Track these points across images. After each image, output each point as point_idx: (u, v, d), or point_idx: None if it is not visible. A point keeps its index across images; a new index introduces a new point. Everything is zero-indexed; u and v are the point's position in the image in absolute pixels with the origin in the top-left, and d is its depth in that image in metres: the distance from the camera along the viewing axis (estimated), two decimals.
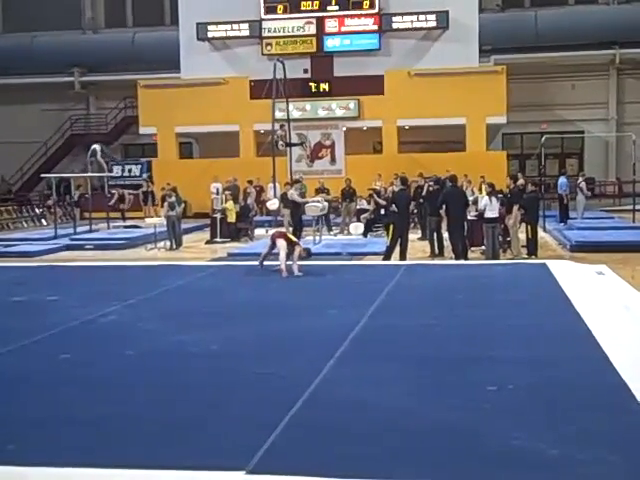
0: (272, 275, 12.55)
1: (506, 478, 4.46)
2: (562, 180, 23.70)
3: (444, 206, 15.55)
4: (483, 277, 12.23)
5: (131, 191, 28.92)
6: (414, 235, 18.26)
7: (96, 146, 26.37)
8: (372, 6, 29.39)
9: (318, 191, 23.86)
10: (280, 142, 22.39)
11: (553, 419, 5.36)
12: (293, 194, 19.56)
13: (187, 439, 5.07)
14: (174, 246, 19.56)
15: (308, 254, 12.74)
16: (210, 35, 30.37)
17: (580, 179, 24.35)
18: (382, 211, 20.20)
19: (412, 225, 18.22)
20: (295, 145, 24.68)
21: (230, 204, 21.32)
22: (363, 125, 29.87)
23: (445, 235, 16.34)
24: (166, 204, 20.13)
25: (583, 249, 16.72)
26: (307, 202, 19.42)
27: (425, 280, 11.89)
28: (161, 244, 19.63)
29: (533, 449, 4.78)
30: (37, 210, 30.10)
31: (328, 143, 30.19)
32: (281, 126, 22.64)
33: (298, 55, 29.49)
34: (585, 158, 34.98)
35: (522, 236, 16.48)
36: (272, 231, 13.35)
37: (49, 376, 6.78)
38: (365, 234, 20.61)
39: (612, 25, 32.50)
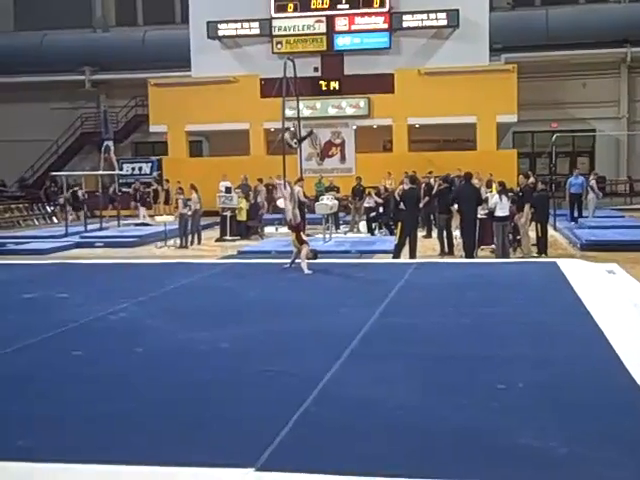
0: (282, 273, 12.57)
1: (515, 477, 4.45)
2: (580, 178, 23.70)
3: (456, 204, 15.56)
4: (493, 276, 12.19)
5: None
6: (419, 233, 18.24)
7: (108, 143, 26.44)
8: (382, 4, 29.40)
9: (328, 189, 23.87)
10: (294, 140, 22.28)
11: (562, 418, 5.34)
12: (300, 192, 19.55)
13: (196, 436, 5.08)
14: (184, 244, 19.63)
15: (314, 255, 12.73)
16: (220, 33, 30.45)
17: (591, 178, 24.29)
18: (381, 209, 20.24)
19: (420, 223, 18.22)
20: (305, 138, 24.35)
21: (243, 202, 21.38)
22: (373, 123, 29.86)
23: (455, 233, 16.33)
24: (180, 201, 20.18)
25: (594, 248, 16.67)
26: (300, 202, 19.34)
27: (435, 278, 11.87)
28: (171, 242, 19.69)
29: (542, 448, 4.76)
30: (48, 208, 30.22)
31: (338, 141, 30.21)
32: (287, 129, 22.54)
33: (308, 53, 29.53)
34: (596, 156, 34.88)
35: (532, 234, 16.44)
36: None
37: (59, 373, 6.80)
38: (370, 232, 20.60)
39: (623, 23, 32.38)
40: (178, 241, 19.71)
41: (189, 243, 19.82)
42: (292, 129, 22.18)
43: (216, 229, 22.45)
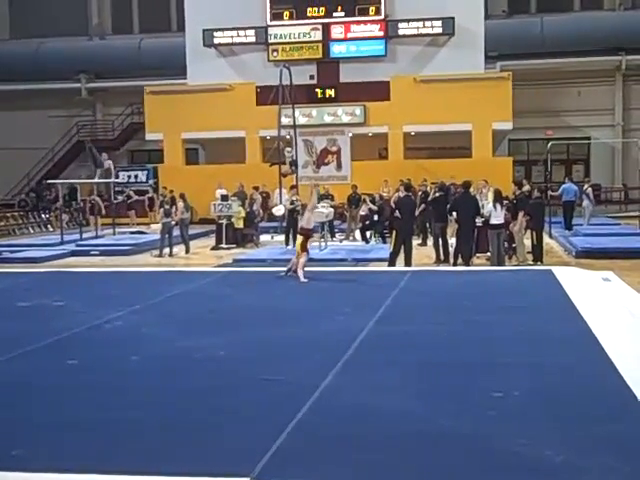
0: (278, 281, 12.57)
1: None
2: (571, 186, 23.68)
3: (454, 212, 15.59)
4: (489, 283, 12.22)
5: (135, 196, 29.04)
6: (415, 241, 18.24)
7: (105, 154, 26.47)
8: (378, 12, 29.43)
9: (323, 197, 23.85)
10: (292, 167, 22.20)
11: (559, 426, 5.34)
12: (287, 200, 19.54)
13: (192, 445, 5.07)
14: (162, 253, 19.13)
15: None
16: (216, 41, 30.45)
17: (586, 185, 24.32)
18: (375, 217, 20.20)
19: (416, 231, 18.21)
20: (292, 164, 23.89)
21: (241, 210, 21.33)
22: (369, 131, 29.88)
23: (451, 241, 16.33)
24: (161, 210, 19.94)
25: (589, 255, 16.70)
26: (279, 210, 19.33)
27: (430, 286, 11.89)
28: (166, 250, 19.56)
29: (539, 456, 4.77)
30: (43, 216, 30.16)
31: (334, 149, 30.21)
32: (287, 145, 22.41)
33: (304, 61, 29.55)
34: (591, 164, 34.94)
35: (527, 242, 16.46)
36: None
37: (55, 381, 6.79)
38: (364, 240, 20.57)
39: (618, 31, 32.46)
40: (166, 250, 19.32)
41: (167, 253, 19.31)
42: (289, 155, 22.07)
43: (211, 237, 22.41)
